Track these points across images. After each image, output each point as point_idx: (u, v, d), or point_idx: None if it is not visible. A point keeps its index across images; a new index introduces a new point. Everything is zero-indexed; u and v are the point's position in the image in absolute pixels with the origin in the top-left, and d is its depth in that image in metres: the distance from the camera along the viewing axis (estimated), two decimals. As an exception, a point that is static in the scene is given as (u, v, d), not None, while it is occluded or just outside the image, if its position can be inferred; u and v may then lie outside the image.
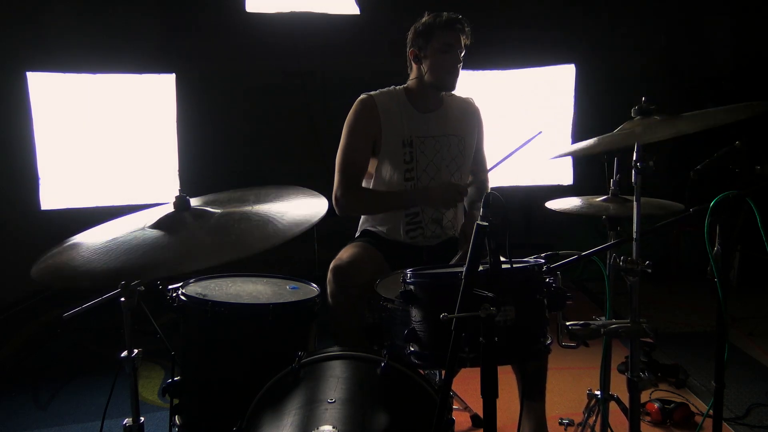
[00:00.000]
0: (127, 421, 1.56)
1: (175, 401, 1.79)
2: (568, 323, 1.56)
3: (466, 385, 2.53)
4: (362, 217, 2.54)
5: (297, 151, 4.87)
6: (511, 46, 4.67)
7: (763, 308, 3.88)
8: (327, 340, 2.04)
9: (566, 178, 4.45)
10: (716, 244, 1.67)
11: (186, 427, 1.78)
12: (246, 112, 4.99)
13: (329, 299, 2.12)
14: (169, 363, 1.93)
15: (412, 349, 1.57)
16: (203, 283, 1.90)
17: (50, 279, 1.44)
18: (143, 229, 1.55)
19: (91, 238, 1.58)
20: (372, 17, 4.42)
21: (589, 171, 3.09)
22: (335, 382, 1.47)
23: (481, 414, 1.36)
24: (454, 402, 2.58)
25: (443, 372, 1.35)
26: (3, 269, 3.97)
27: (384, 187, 2.41)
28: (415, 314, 1.57)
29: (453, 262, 2.21)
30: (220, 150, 4.86)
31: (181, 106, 4.25)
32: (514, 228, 1.43)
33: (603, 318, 1.67)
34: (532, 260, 1.66)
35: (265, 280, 2.00)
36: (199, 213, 1.61)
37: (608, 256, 1.86)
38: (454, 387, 2.18)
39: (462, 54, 2.35)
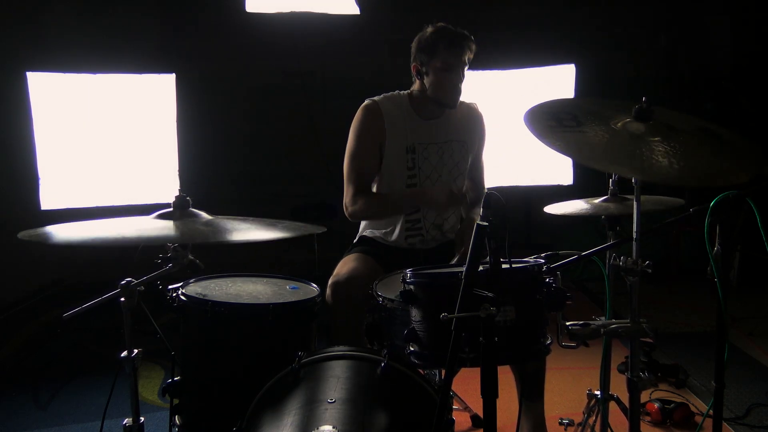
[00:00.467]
0: (127, 421, 1.56)
1: (175, 401, 1.79)
2: (568, 323, 1.56)
3: (466, 385, 2.53)
4: (362, 222, 2.53)
5: (297, 151, 4.87)
6: (511, 46, 4.66)
7: (763, 308, 3.88)
8: (327, 340, 2.04)
9: (566, 178, 4.45)
10: (716, 244, 1.67)
11: (186, 427, 1.78)
12: (246, 112, 4.99)
13: (328, 309, 2.11)
14: (169, 363, 1.93)
15: (412, 349, 1.57)
16: (203, 283, 1.90)
17: (31, 237, 1.44)
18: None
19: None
20: (372, 17, 4.41)
21: (589, 171, 3.09)
22: (335, 382, 1.47)
23: (481, 414, 1.36)
24: (454, 402, 2.58)
25: (443, 372, 1.35)
26: (3, 269, 3.97)
27: (387, 191, 2.41)
28: (415, 314, 1.57)
29: (452, 263, 2.21)
30: (220, 150, 4.87)
31: (181, 106, 4.25)
32: (514, 228, 1.44)
33: (603, 318, 1.66)
34: (531, 260, 1.66)
35: (265, 280, 2.00)
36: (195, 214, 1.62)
37: (608, 256, 1.86)
38: (454, 387, 2.18)
39: (465, 69, 2.33)
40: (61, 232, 1.49)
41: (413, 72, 2.37)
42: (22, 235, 1.44)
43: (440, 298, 1.53)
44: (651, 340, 2.91)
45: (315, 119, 4.66)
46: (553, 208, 2.10)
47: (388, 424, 1.40)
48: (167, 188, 4.18)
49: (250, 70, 4.90)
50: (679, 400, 2.66)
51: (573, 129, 1.55)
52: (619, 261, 1.61)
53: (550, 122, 1.57)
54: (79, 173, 4.09)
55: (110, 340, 3.63)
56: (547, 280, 1.60)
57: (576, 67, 4.44)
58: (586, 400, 2.16)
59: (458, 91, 2.34)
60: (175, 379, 1.81)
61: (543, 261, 1.64)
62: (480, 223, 1.32)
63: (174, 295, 1.78)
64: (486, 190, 1.38)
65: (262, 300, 1.81)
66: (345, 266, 2.23)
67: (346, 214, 2.38)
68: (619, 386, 1.89)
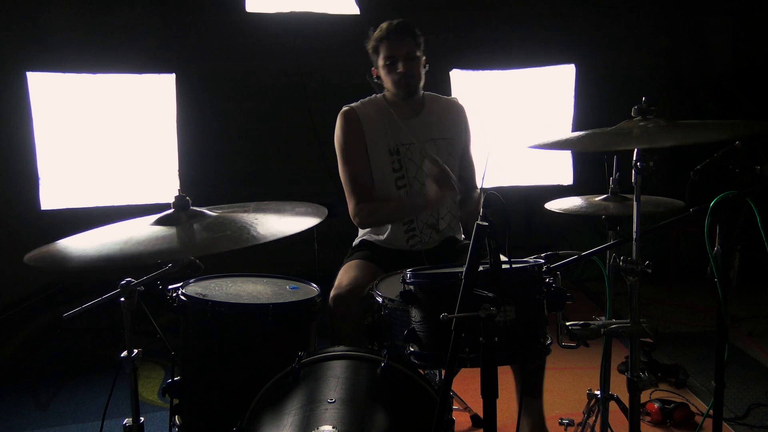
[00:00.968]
0: (127, 421, 1.56)
1: (175, 401, 1.79)
2: (568, 323, 1.56)
3: (466, 385, 2.53)
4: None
5: (297, 151, 4.88)
6: (511, 46, 4.67)
7: (763, 308, 3.87)
8: (327, 340, 2.04)
9: (566, 178, 4.45)
10: (716, 244, 1.67)
11: (186, 427, 1.78)
12: (246, 112, 4.99)
13: (330, 319, 2.11)
14: (169, 363, 1.93)
15: (412, 349, 1.57)
16: (203, 283, 1.90)
17: (42, 264, 1.44)
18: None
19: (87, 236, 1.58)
20: (372, 17, 4.40)
21: (589, 171, 3.10)
22: (335, 382, 1.47)
23: (481, 414, 1.36)
24: (454, 402, 2.58)
25: (443, 372, 1.35)
26: (3, 269, 3.97)
27: (379, 195, 2.41)
28: (415, 314, 1.57)
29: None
30: (220, 150, 4.87)
31: (181, 106, 4.24)
32: (514, 228, 1.45)
33: (603, 318, 1.67)
34: (531, 260, 1.66)
35: (265, 280, 2.00)
36: (197, 213, 1.61)
37: (608, 256, 1.86)
38: (454, 387, 2.18)
39: (413, 56, 2.34)
40: (65, 252, 1.47)
41: (374, 78, 2.42)
42: (28, 259, 1.44)
43: (440, 299, 1.53)
44: (651, 340, 2.92)
45: (315, 119, 4.66)
46: (554, 205, 2.11)
47: (388, 424, 1.40)
48: (167, 188, 4.18)
49: (250, 70, 4.89)
50: (679, 400, 2.66)
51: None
52: (619, 261, 1.61)
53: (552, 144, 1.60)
54: (79, 173, 4.08)
55: (110, 340, 3.63)
56: (547, 280, 1.60)
57: (576, 67, 4.43)
58: (586, 400, 2.17)
59: (411, 77, 2.35)
60: (175, 379, 1.80)
61: (543, 261, 1.64)
62: (480, 223, 1.32)
63: (174, 295, 1.79)
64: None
65: (262, 300, 1.81)
66: (346, 276, 2.22)
67: (355, 224, 2.39)
68: (619, 386, 1.89)
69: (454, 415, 1.70)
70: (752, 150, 1.91)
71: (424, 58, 2.41)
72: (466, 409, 2.60)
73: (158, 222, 1.54)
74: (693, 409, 2.63)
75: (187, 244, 1.46)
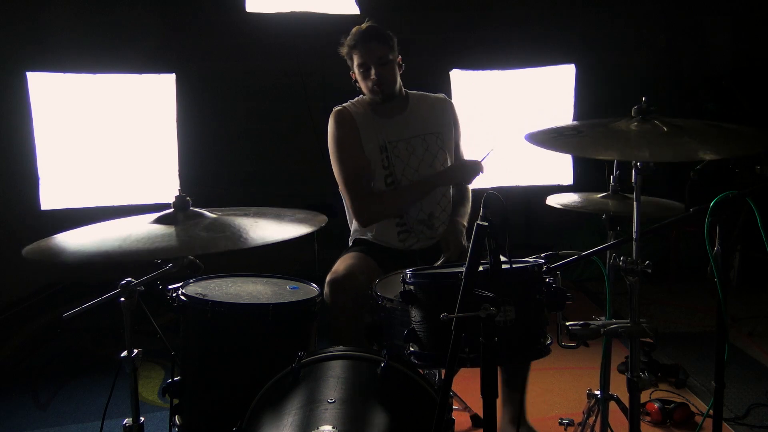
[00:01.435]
0: (127, 421, 1.56)
1: (175, 401, 1.79)
2: (568, 323, 1.56)
3: (466, 385, 2.53)
4: (353, 225, 2.53)
5: (297, 151, 4.87)
6: (511, 46, 4.66)
7: (763, 308, 3.87)
8: (327, 340, 2.04)
9: (566, 178, 4.44)
10: (716, 244, 1.67)
11: (186, 427, 1.78)
12: (246, 112, 4.99)
13: (328, 308, 2.11)
14: (169, 363, 1.93)
15: (412, 349, 1.57)
16: (203, 283, 1.90)
17: (41, 257, 1.44)
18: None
19: (86, 231, 1.58)
20: (372, 17, 4.41)
21: (590, 171, 3.10)
22: (335, 382, 1.47)
23: (481, 414, 1.36)
24: (454, 402, 2.58)
25: (443, 372, 1.35)
26: (3, 269, 3.97)
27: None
28: (415, 314, 1.57)
29: (437, 265, 2.20)
30: (220, 150, 4.87)
31: (181, 106, 4.24)
32: (514, 228, 1.44)
33: (603, 318, 1.67)
34: (531, 260, 1.66)
35: (265, 280, 2.00)
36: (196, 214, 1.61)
37: (608, 256, 1.86)
38: (454, 387, 2.18)
39: (385, 60, 2.34)
40: (64, 246, 1.48)
41: (353, 81, 2.44)
42: (27, 252, 1.44)
43: (440, 299, 1.53)
44: (651, 340, 2.92)
45: (315, 119, 4.66)
46: (555, 199, 2.11)
47: (388, 424, 1.40)
48: (167, 188, 4.18)
49: (250, 70, 4.89)
50: (679, 400, 2.66)
51: (575, 136, 1.57)
52: (619, 261, 1.61)
53: (551, 135, 1.59)
54: (79, 173, 4.08)
55: (110, 340, 3.63)
56: (547, 280, 1.60)
57: (576, 67, 4.43)
58: (586, 400, 2.17)
59: (385, 83, 2.36)
60: (175, 379, 1.80)
61: (543, 261, 1.64)
62: (480, 223, 1.32)
63: (174, 295, 1.79)
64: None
65: (262, 300, 1.81)
66: (342, 263, 2.24)
67: (358, 222, 2.40)
68: (619, 386, 1.90)
69: (454, 415, 1.70)
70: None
71: (399, 57, 2.42)
72: (466, 409, 2.60)
73: (157, 221, 1.55)
74: (693, 409, 2.63)
75: (185, 242, 1.46)
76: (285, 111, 4.94)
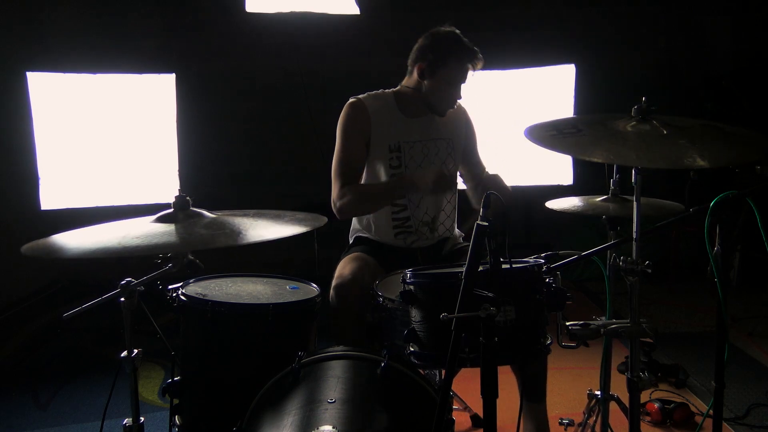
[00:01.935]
0: (127, 421, 1.56)
1: (175, 401, 1.79)
2: (568, 323, 1.56)
3: (466, 385, 2.53)
4: (352, 223, 2.52)
5: (297, 151, 4.87)
6: (511, 46, 4.66)
7: (763, 308, 3.88)
8: (327, 340, 2.04)
9: (566, 178, 4.45)
10: (716, 244, 1.67)
11: (186, 427, 1.78)
12: (246, 111, 4.99)
13: (332, 311, 2.10)
14: (169, 363, 1.93)
15: (412, 349, 1.57)
16: (203, 283, 1.90)
17: (40, 253, 1.44)
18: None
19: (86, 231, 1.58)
20: (372, 17, 4.42)
21: (590, 171, 3.09)
22: (335, 382, 1.47)
23: (481, 414, 1.36)
24: (454, 402, 2.58)
25: (443, 372, 1.35)
26: (3, 269, 3.97)
27: None
28: (415, 314, 1.58)
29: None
30: (220, 150, 4.86)
31: (181, 106, 4.25)
32: (514, 228, 1.44)
33: (603, 318, 1.67)
34: (531, 260, 1.66)
35: (265, 280, 2.00)
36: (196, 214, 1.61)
37: (608, 256, 1.86)
38: (454, 387, 2.18)
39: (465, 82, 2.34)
40: (63, 243, 1.48)
41: (415, 69, 2.35)
42: (26, 249, 1.44)
43: (440, 299, 1.53)
44: (651, 340, 2.92)
45: (315, 119, 4.66)
46: (555, 204, 2.11)
47: (388, 424, 1.40)
48: (167, 188, 4.18)
49: (250, 70, 4.89)
50: (679, 400, 2.66)
51: (574, 135, 1.56)
52: (619, 261, 1.61)
53: (550, 132, 1.59)
54: (79, 173, 4.09)
55: (110, 340, 3.63)
56: (547, 280, 1.60)
57: (576, 67, 4.44)
58: (586, 400, 2.17)
59: (454, 104, 2.37)
60: (175, 379, 1.80)
61: (543, 261, 1.64)
62: (480, 223, 1.32)
63: (174, 295, 1.78)
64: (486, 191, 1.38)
65: (262, 300, 1.81)
66: (347, 267, 2.22)
67: (335, 211, 2.31)
68: (619, 386, 1.90)
69: (454, 415, 1.70)
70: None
71: None
72: (466, 409, 2.60)
73: (158, 220, 1.55)
74: (693, 409, 2.63)
75: (185, 239, 1.47)
76: (285, 111, 4.94)
